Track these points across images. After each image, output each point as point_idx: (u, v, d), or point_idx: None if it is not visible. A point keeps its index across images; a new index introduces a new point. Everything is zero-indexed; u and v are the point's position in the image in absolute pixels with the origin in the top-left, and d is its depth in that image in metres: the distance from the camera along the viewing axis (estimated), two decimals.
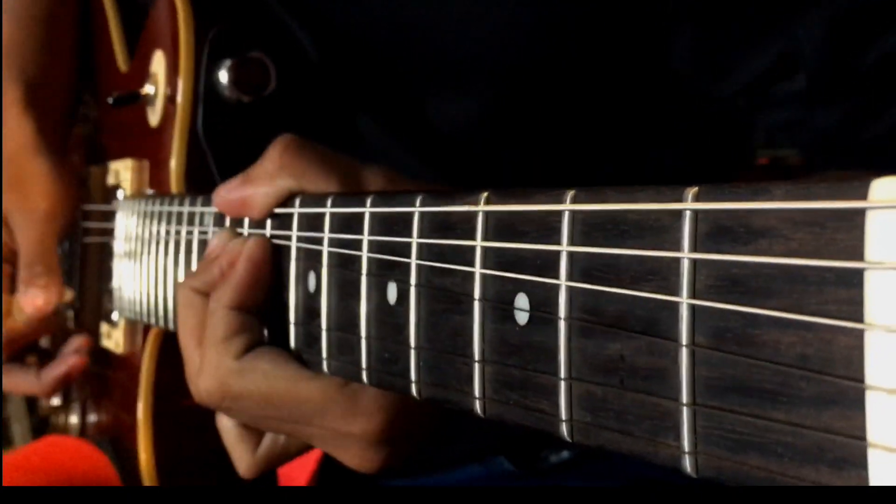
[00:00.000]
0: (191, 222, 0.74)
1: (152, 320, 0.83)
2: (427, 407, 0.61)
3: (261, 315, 0.62)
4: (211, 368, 0.61)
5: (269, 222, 0.63)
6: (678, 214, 0.33)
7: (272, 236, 0.62)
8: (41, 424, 1.28)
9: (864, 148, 0.74)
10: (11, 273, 1.00)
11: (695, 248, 0.32)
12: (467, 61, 0.78)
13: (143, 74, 0.92)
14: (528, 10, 0.74)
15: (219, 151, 0.83)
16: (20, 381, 1.03)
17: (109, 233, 0.96)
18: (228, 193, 0.64)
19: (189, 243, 0.74)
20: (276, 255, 0.62)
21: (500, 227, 0.41)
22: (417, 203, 0.47)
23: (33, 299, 0.97)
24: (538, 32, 0.75)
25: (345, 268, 0.54)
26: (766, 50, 0.72)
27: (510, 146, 0.83)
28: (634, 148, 0.85)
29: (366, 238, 0.51)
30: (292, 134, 0.64)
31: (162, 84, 0.88)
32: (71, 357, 1.00)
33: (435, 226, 0.46)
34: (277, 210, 0.62)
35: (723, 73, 0.75)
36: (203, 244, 0.72)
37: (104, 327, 0.98)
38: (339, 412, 0.59)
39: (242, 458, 0.68)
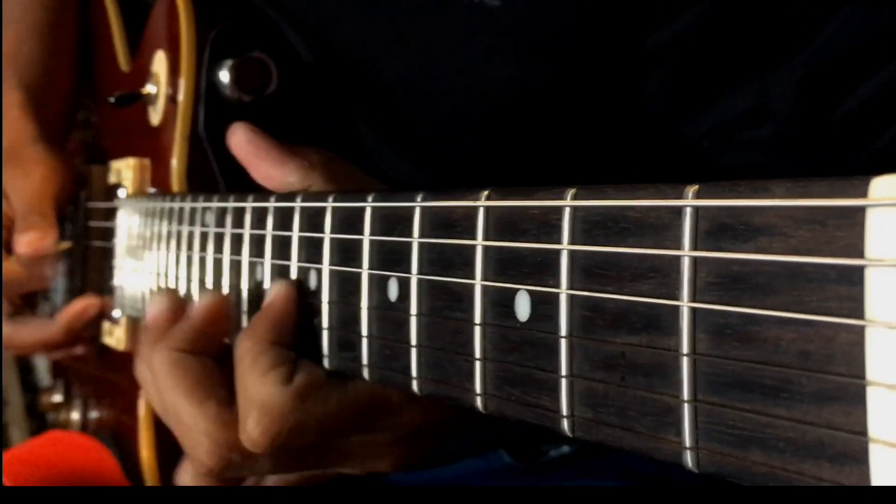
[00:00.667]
0: (192, 221, 0.74)
1: None
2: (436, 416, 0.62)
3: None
4: (258, 404, 0.57)
5: (269, 221, 0.63)
6: (679, 212, 0.33)
7: (274, 236, 0.63)
8: (40, 428, 1.28)
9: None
10: (9, 239, 1.02)
11: (695, 245, 0.32)
12: (455, 81, 0.78)
13: (144, 74, 0.92)
14: (514, 33, 0.74)
15: (220, 151, 0.83)
16: (33, 330, 1.04)
17: (111, 231, 0.96)
18: (258, 138, 0.64)
19: (190, 242, 0.75)
20: (278, 255, 0.62)
21: (500, 225, 0.42)
22: (419, 199, 0.47)
23: (29, 240, 0.98)
24: (525, 55, 0.76)
25: (345, 266, 0.54)
26: (735, 99, 0.72)
27: (503, 158, 0.83)
28: (622, 159, 0.85)
29: (367, 238, 0.52)
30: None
31: (163, 83, 0.88)
32: (84, 298, 1.01)
33: (436, 224, 0.46)
34: (280, 204, 0.62)
35: (691, 115, 0.76)
36: (204, 241, 0.72)
37: (106, 325, 0.98)
38: (407, 404, 0.58)
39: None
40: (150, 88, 0.90)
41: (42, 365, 1.45)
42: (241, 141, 0.66)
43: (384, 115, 0.84)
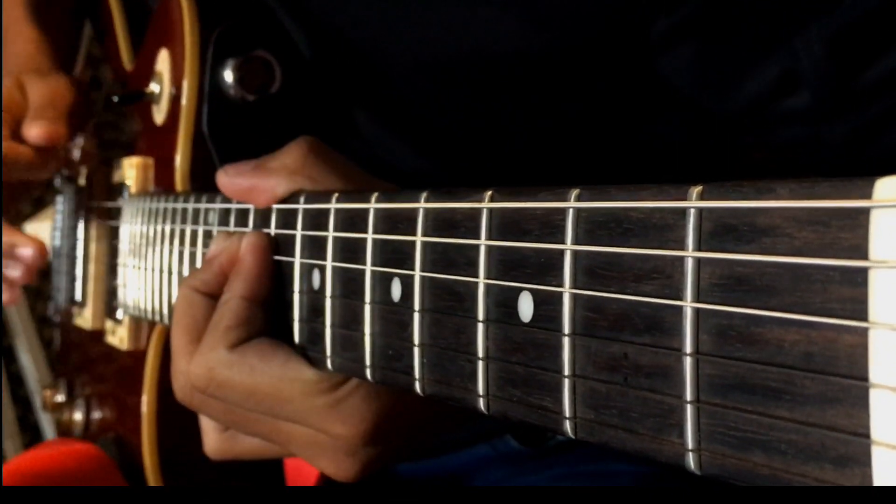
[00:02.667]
0: (195, 220, 0.74)
1: (157, 318, 0.83)
2: (415, 418, 0.62)
3: (266, 309, 0.63)
4: (204, 353, 0.62)
5: (273, 220, 0.63)
6: (682, 213, 0.33)
7: (277, 234, 0.63)
8: (33, 441, 1.28)
9: (873, 164, 0.73)
10: (11, 122, 1.02)
11: (699, 246, 0.32)
12: (457, 58, 0.78)
13: (147, 73, 0.92)
14: (515, 7, 0.74)
15: (224, 150, 0.83)
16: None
17: (115, 230, 0.96)
18: (238, 177, 0.65)
19: (194, 241, 0.75)
20: (281, 253, 0.62)
21: (504, 225, 0.42)
22: (422, 199, 0.47)
23: (39, 127, 0.99)
24: (527, 29, 0.75)
25: (349, 265, 0.54)
26: (766, 67, 0.71)
27: (505, 136, 0.83)
28: (629, 126, 0.84)
29: (370, 236, 0.51)
30: (314, 138, 0.65)
31: (167, 82, 0.88)
32: (34, 241, 1.02)
33: (439, 224, 0.46)
34: (283, 206, 0.62)
35: (724, 92, 0.75)
36: (208, 240, 0.72)
37: (109, 324, 0.98)
38: (320, 415, 0.59)
39: (210, 434, 0.69)
40: (153, 87, 0.90)
41: (32, 378, 1.45)
42: (225, 185, 0.67)
43: (387, 99, 0.84)
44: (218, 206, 0.71)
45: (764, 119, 0.75)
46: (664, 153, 0.84)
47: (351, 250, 0.54)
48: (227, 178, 0.66)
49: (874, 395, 0.27)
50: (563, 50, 0.76)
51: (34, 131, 0.99)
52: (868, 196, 0.27)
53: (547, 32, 0.75)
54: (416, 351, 0.47)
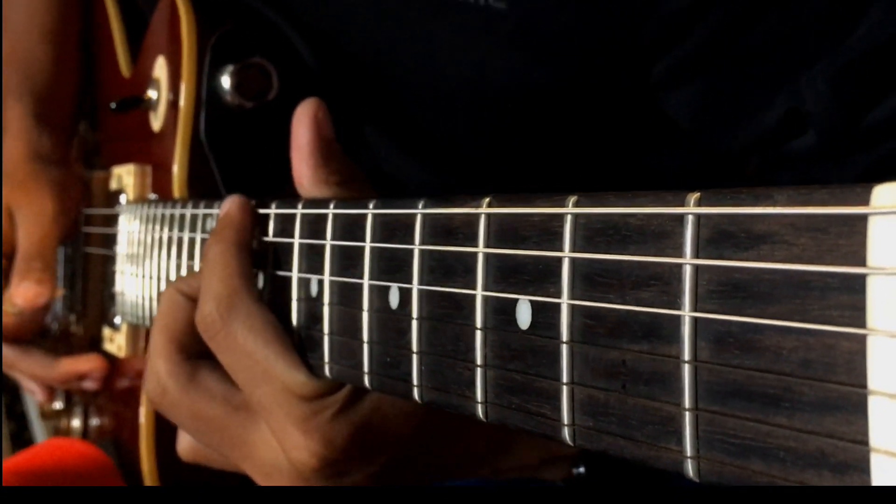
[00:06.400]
0: (193, 227, 0.74)
1: None
2: (392, 470, 0.61)
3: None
4: (223, 294, 0.60)
5: (271, 226, 0.63)
6: (680, 219, 0.33)
7: (274, 242, 0.63)
8: (19, 431, 1.28)
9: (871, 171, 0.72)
10: (7, 268, 1.01)
11: (697, 253, 0.32)
12: (462, 81, 0.78)
13: (145, 79, 0.92)
14: (520, 35, 0.74)
15: (221, 156, 0.83)
16: (34, 364, 1.03)
17: (112, 237, 0.96)
18: (311, 135, 0.64)
19: (192, 248, 0.74)
20: (279, 260, 0.62)
21: (501, 232, 0.41)
22: (420, 206, 0.47)
23: (25, 292, 0.97)
24: (526, 63, 0.75)
25: (347, 273, 0.54)
26: (771, 106, 0.70)
27: (510, 157, 0.83)
28: (630, 157, 0.85)
29: (368, 244, 0.51)
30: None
31: (164, 89, 0.88)
32: (95, 359, 0.99)
33: (437, 231, 0.46)
34: (280, 211, 0.62)
35: (728, 131, 0.74)
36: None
37: (106, 331, 0.98)
38: (287, 418, 0.57)
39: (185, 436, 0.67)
40: (151, 94, 0.90)
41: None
42: (301, 119, 0.64)
43: (392, 116, 0.84)
44: (215, 212, 0.71)
45: (770, 160, 0.74)
46: (665, 182, 0.84)
47: (349, 257, 0.54)
48: (309, 121, 0.65)
49: (873, 402, 0.27)
50: (562, 84, 0.76)
51: (19, 299, 0.98)
52: (866, 203, 0.27)
53: (545, 67, 0.75)
54: (415, 358, 0.47)
